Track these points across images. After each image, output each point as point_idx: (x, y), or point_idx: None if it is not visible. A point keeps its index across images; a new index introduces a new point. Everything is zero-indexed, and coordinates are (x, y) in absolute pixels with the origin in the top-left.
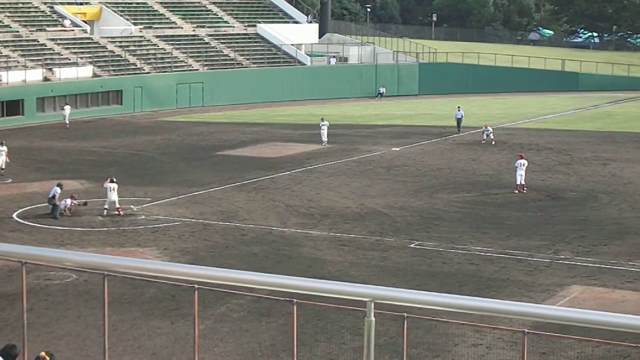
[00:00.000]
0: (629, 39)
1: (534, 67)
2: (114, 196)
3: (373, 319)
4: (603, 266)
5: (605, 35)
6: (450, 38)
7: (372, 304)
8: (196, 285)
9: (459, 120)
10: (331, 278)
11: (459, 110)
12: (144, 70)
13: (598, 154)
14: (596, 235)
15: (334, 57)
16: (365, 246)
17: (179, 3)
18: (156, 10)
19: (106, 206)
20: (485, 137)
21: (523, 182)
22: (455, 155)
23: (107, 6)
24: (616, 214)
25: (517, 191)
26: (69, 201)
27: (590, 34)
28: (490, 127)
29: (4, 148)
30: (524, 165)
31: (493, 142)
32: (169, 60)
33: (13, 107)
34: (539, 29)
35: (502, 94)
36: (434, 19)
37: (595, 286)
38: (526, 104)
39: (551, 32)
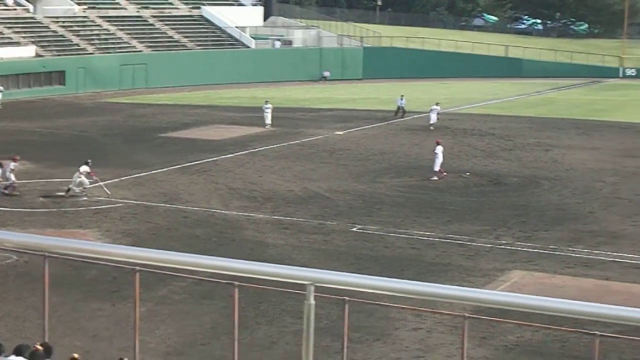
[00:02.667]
0: (571, 26)
1: (478, 52)
2: (83, 180)
3: (313, 302)
4: (543, 251)
5: (549, 22)
6: (395, 23)
7: (312, 288)
8: (137, 268)
9: (401, 108)
10: (273, 261)
11: (401, 99)
12: (87, 50)
13: (540, 140)
14: (537, 220)
15: (278, 40)
16: (307, 230)
17: None
18: None
19: (78, 189)
20: (432, 120)
21: (438, 168)
22: (399, 140)
23: None
24: (557, 200)
25: (436, 177)
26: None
27: (533, 20)
28: (439, 107)
29: None
30: (442, 151)
31: (431, 128)
32: (113, 41)
33: None
34: (483, 15)
35: (446, 79)
36: (379, 3)
37: (535, 271)
38: (470, 90)
39: (495, 18)
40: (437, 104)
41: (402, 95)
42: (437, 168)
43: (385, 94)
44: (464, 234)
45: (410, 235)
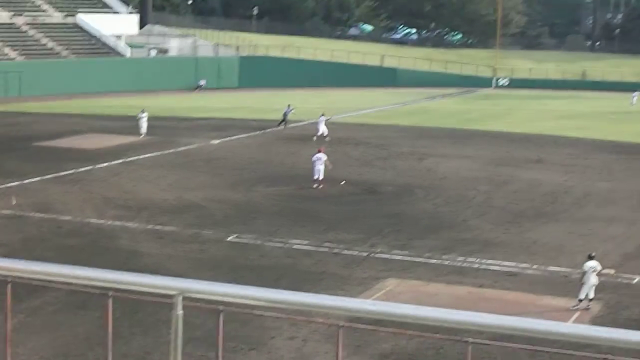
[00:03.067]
0: (446, 36)
1: (354, 62)
2: None
3: (180, 312)
4: (418, 260)
5: (424, 32)
6: (271, 31)
7: (180, 298)
8: (9, 279)
9: (285, 116)
10: (147, 271)
11: (288, 108)
12: None
13: (415, 148)
14: (412, 229)
15: (154, 48)
16: (182, 239)
17: None
18: None
19: None
20: (322, 131)
21: (321, 178)
22: (274, 149)
23: None
24: (431, 209)
25: (315, 185)
26: None
27: (409, 30)
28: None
29: None
30: (321, 160)
31: (314, 138)
32: None
33: None
34: (359, 25)
35: (322, 88)
36: (255, 12)
37: (410, 279)
38: (345, 99)
39: (371, 27)
40: (323, 115)
41: (289, 105)
42: (314, 176)
43: (261, 103)
44: (340, 243)
45: (286, 244)
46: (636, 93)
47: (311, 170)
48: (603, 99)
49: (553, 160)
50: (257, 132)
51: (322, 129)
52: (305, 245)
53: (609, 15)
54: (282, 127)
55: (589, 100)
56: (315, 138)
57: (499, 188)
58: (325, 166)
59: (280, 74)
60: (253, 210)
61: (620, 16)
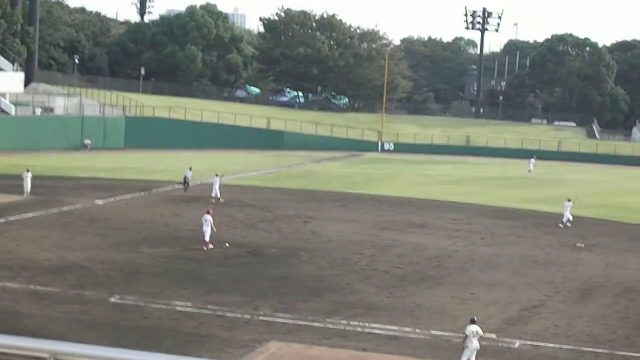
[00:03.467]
0: (332, 100)
1: (240, 124)
2: None
3: None
4: (301, 322)
5: (311, 95)
6: (159, 92)
7: None
8: None
9: (186, 179)
10: (28, 332)
11: (189, 170)
12: None
13: (300, 211)
14: (295, 291)
15: (39, 107)
16: (64, 300)
17: None
18: None
19: None
20: (215, 193)
21: (207, 239)
22: (159, 210)
23: None
24: (316, 271)
25: (211, 247)
26: None
27: (296, 93)
28: (219, 177)
29: None
30: (207, 221)
31: (212, 200)
32: None
33: None
34: (246, 87)
35: (207, 149)
36: (142, 72)
37: (293, 342)
38: (231, 161)
39: (258, 90)
40: (217, 175)
41: (190, 167)
42: (206, 238)
43: (147, 163)
44: (223, 305)
45: (169, 305)
46: (532, 160)
47: (199, 231)
48: (487, 165)
49: (437, 224)
50: (143, 193)
51: (217, 189)
52: (189, 307)
53: (492, 82)
54: (185, 188)
55: (473, 166)
56: (221, 200)
57: (383, 252)
58: (211, 228)
59: (166, 134)
60: (136, 271)
61: (503, 83)
